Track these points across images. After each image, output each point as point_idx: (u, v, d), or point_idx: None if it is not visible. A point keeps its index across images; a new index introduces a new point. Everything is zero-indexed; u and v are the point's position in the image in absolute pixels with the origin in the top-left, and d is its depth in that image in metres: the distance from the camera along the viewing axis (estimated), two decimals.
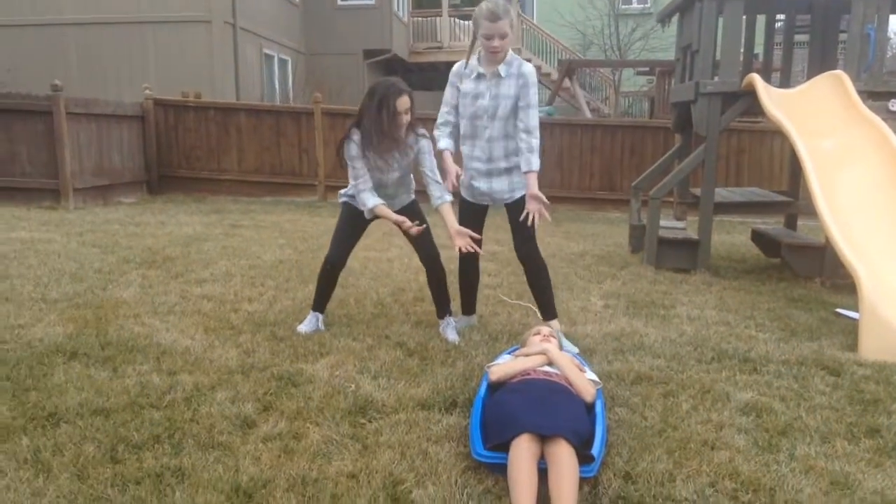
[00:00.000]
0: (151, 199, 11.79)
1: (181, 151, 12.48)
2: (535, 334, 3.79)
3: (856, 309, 4.64)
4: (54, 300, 5.02)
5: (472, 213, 4.52)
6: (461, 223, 4.38)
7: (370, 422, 3.23)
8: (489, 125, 4.23)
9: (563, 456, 2.64)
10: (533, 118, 4.18)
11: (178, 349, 4.06)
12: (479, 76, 4.21)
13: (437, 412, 3.34)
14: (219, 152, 12.48)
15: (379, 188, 4.36)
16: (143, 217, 9.48)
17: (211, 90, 14.86)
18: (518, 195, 4.37)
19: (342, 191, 4.56)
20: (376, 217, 4.38)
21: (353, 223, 4.49)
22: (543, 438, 2.75)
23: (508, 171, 4.34)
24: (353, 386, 3.57)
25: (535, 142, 4.20)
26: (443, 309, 4.64)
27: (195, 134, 12.46)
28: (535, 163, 4.20)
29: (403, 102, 4.17)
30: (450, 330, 4.54)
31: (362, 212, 4.35)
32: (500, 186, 4.38)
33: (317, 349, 4.13)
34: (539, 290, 4.61)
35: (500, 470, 2.68)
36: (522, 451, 2.68)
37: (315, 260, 6.72)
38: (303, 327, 4.50)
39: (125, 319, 4.61)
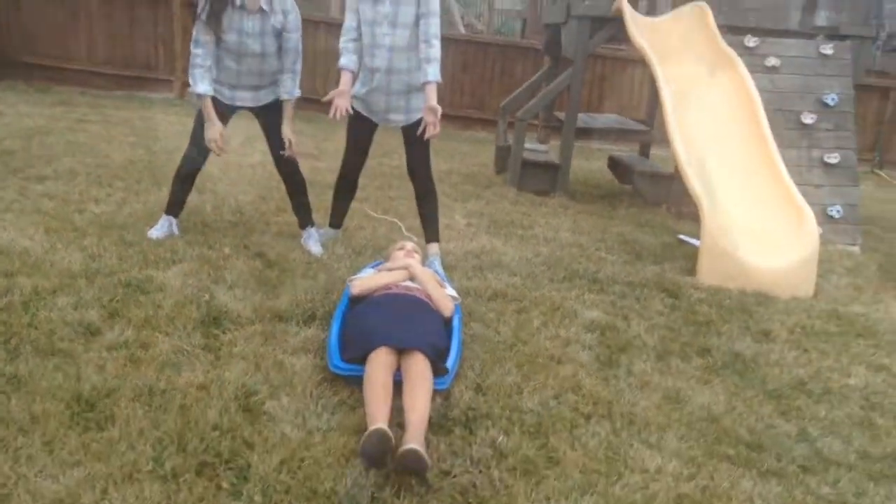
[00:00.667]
0: None
1: (23, 35, 11.34)
2: (398, 249, 3.81)
3: (697, 236, 4.95)
4: None
5: (362, 129, 4.33)
6: (349, 138, 4.26)
7: (224, 333, 3.17)
8: (390, 32, 4.00)
9: (419, 368, 2.71)
10: (433, 26, 4.02)
11: (16, 249, 3.78)
12: None
13: (294, 324, 3.32)
14: (65, 39, 11.44)
15: (235, 77, 4.06)
16: None
17: None
18: (415, 117, 4.18)
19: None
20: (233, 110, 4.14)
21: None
22: (400, 351, 2.80)
23: (408, 90, 4.16)
24: (206, 296, 3.47)
25: (435, 52, 4.03)
26: (304, 220, 4.55)
27: (39, 16, 11.33)
28: (435, 73, 4.04)
29: None
30: (312, 242, 4.47)
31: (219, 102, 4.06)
32: (398, 104, 4.19)
33: (169, 256, 3.96)
34: (427, 213, 4.50)
35: (357, 382, 2.71)
36: (379, 363, 2.72)
37: (170, 162, 6.33)
38: (154, 232, 4.28)
39: None
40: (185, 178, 4.35)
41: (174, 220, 4.39)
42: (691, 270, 4.77)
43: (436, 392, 2.75)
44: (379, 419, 2.42)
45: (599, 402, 2.92)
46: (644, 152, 8.35)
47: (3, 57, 11.33)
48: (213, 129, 4.00)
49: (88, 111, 9.14)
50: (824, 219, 5.76)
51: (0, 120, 7.64)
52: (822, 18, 7.46)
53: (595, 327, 3.67)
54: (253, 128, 4.38)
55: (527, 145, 7.32)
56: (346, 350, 2.92)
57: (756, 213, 5.01)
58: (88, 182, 5.37)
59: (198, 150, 4.22)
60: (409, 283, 3.43)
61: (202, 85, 3.94)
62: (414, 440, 2.34)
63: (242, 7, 3.88)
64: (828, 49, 6.32)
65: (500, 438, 2.56)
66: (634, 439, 2.68)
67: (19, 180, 5.19)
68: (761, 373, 3.40)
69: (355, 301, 3.35)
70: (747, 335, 3.81)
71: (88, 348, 2.88)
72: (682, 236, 5.70)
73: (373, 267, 3.86)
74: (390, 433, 2.32)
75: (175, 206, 4.39)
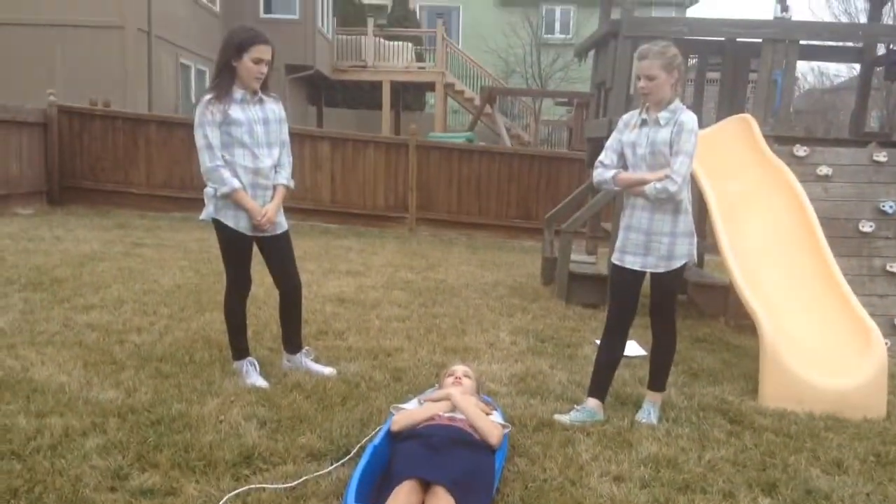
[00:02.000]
0: (51, 211, 11.16)
1: (86, 162, 11.89)
2: (448, 375, 3.67)
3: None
4: None
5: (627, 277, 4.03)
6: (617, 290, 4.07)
7: (255, 474, 3.02)
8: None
9: None
10: (682, 165, 3.73)
11: (52, 387, 3.75)
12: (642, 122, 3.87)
13: (328, 463, 3.16)
14: (126, 164, 11.95)
15: (254, 176, 3.97)
16: (39, 231, 8.93)
17: (122, 99, 14.27)
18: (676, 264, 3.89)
19: (209, 189, 3.99)
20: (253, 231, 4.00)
21: (238, 244, 4.05)
22: (426, 488, 2.62)
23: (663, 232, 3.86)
24: (238, 434, 3.34)
25: (670, 185, 3.72)
26: (298, 339, 4.40)
27: (101, 144, 11.90)
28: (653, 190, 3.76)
29: (266, 50, 3.86)
30: (311, 363, 4.36)
31: (238, 231, 3.98)
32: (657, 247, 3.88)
33: (205, 388, 3.87)
34: (658, 363, 4.10)
35: None
36: (397, 499, 2.55)
37: (217, 284, 6.43)
38: (249, 381, 4.04)
39: None
40: (236, 314, 4.17)
41: (249, 361, 4.17)
42: (753, 392, 4.49)
43: None
44: None
45: None
46: (698, 262, 8.14)
47: (69, 184, 11.86)
48: (255, 209, 3.93)
49: (144, 234, 9.41)
50: (891, 330, 5.43)
51: (57, 246, 7.87)
52: (873, 119, 7.32)
53: (650, 461, 3.40)
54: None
55: (574, 257, 7.20)
56: (380, 493, 2.74)
57: (817, 329, 4.74)
58: (134, 310, 5.40)
59: (237, 284, 4.14)
60: (453, 414, 3.28)
61: (234, 180, 3.88)
62: None
63: (243, 99, 3.92)
64: (881, 156, 6.13)
65: None
66: None
67: (65, 310, 5.25)
68: None
69: (395, 436, 3.19)
70: (817, 467, 3.49)
71: (113, 497, 2.76)
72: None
73: (424, 395, 3.70)
74: None
75: (240, 348, 4.18)
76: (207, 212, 4.02)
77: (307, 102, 23.69)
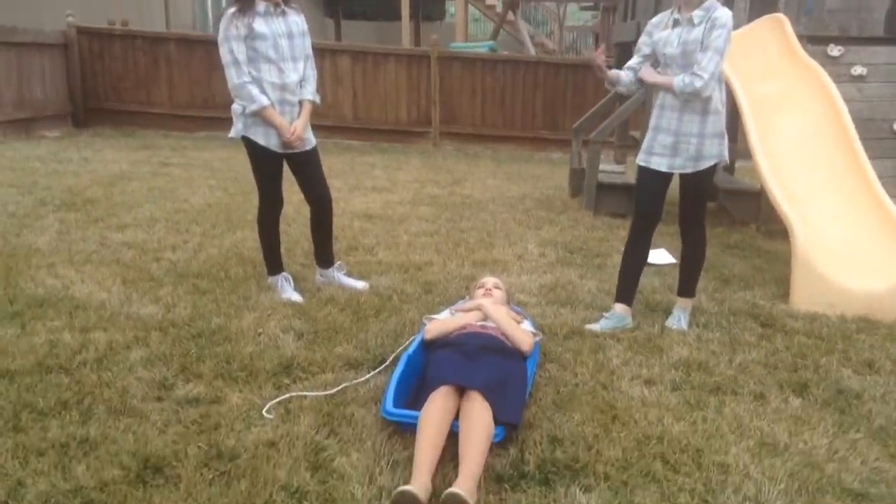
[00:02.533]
0: (77, 133, 11.20)
1: (108, 83, 11.83)
2: (478, 287, 3.71)
3: (786, 257, 4.65)
4: None
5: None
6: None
7: (294, 382, 3.11)
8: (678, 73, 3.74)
9: (475, 411, 2.59)
10: (710, 61, 3.60)
11: (93, 303, 3.85)
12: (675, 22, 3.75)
13: (365, 371, 3.24)
14: (148, 84, 11.88)
15: (281, 92, 3.90)
16: (67, 153, 8.99)
17: (139, 18, 14.07)
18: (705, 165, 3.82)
19: (236, 107, 3.93)
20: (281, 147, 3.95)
21: (269, 162, 4.01)
22: (462, 393, 2.69)
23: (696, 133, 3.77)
24: (277, 345, 3.43)
25: (696, 80, 3.61)
26: (330, 254, 4.42)
27: (122, 64, 11.81)
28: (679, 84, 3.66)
29: None
30: (343, 276, 4.40)
31: (269, 149, 3.93)
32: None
33: (241, 303, 3.96)
34: (688, 268, 4.07)
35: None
36: (435, 405, 2.63)
37: (246, 203, 6.48)
38: (285, 295, 4.11)
39: (38, 270, 4.35)
40: (270, 231, 4.19)
41: (283, 276, 4.23)
42: (785, 296, 4.49)
43: (507, 443, 2.62)
44: (423, 471, 2.33)
45: (688, 451, 2.71)
46: (728, 167, 8.01)
47: (92, 105, 11.84)
48: (284, 126, 3.90)
49: (171, 154, 9.43)
50: None
51: (85, 167, 7.94)
52: None
53: (681, 364, 3.45)
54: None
55: (602, 167, 7.13)
56: (416, 398, 2.82)
57: (850, 232, 4.69)
58: (167, 229, 5.48)
59: (270, 201, 4.13)
60: (484, 323, 3.33)
61: (262, 97, 3.83)
62: (460, 486, 2.23)
63: (266, 12, 3.83)
64: None
65: (580, 497, 2.39)
66: (729, 493, 2.47)
67: (100, 229, 5.34)
68: (866, 410, 3.11)
69: (429, 345, 3.25)
70: (848, 367, 3.52)
71: (160, 406, 2.86)
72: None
73: (455, 307, 3.75)
74: (421, 496, 2.21)
75: (275, 264, 4.22)
76: (236, 129, 3.98)
77: (324, 15, 23.20)
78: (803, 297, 4.36)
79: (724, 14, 3.64)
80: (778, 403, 3.13)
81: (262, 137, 3.93)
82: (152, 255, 4.80)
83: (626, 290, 4.05)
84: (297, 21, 3.98)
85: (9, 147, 9.25)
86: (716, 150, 3.80)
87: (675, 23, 3.76)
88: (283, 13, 3.91)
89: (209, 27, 17.28)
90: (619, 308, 4.01)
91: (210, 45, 11.90)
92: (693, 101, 3.70)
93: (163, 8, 15.03)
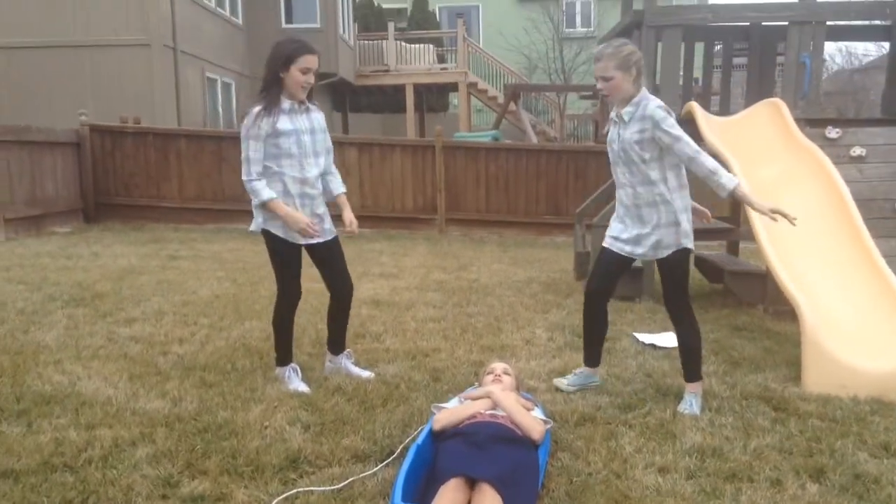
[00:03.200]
0: (87, 228, 11.38)
1: (119, 179, 12.11)
2: (487, 373, 3.68)
3: (796, 339, 4.62)
4: None
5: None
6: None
7: (301, 477, 3.06)
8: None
9: (485, 503, 2.52)
10: (687, 146, 3.70)
11: (100, 399, 3.83)
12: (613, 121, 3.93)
13: (373, 464, 3.19)
14: (158, 179, 12.15)
15: (302, 186, 4.00)
16: (77, 248, 9.11)
17: (151, 115, 14.49)
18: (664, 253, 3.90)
19: (256, 202, 3.99)
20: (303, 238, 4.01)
21: (289, 253, 4.08)
22: (472, 486, 2.63)
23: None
24: (284, 439, 3.39)
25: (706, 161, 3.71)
26: (343, 341, 4.45)
27: (133, 161, 12.11)
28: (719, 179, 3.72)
29: (313, 60, 3.90)
30: (351, 365, 4.41)
31: (288, 241, 4.02)
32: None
33: (248, 395, 3.93)
34: (685, 352, 4.07)
35: None
36: (444, 498, 2.58)
37: (254, 294, 6.52)
38: (292, 386, 4.10)
39: (45, 367, 4.35)
40: (285, 323, 4.20)
41: (292, 367, 4.22)
42: (796, 378, 4.44)
43: None
44: None
45: None
46: (732, 249, 8.06)
47: (103, 201, 12.07)
48: (298, 218, 3.94)
49: (179, 247, 9.54)
50: None
51: (95, 262, 8.02)
52: None
53: (695, 451, 3.38)
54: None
55: None
56: (426, 491, 2.76)
57: (858, 312, 4.68)
58: (174, 322, 5.49)
59: (289, 294, 4.16)
60: (494, 411, 3.29)
61: (267, 191, 3.90)
62: None
63: (291, 109, 3.95)
64: None
65: None
66: None
67: (108, 324, 5.35)
68: (885, 495, 3.03)
69: (438, 435, 3.21)
70: (864, 451, 3.45)
71: None
72: (638, 335, 5.44)
73: (463, 395, 3.71)
74: None
75: (285, 355, 4.22)
76: (257, 223, 4.06)
77: (332, 109, 23.83)
78: (815, 379, 4.31)
79: (655, 106, 3.75)
80: (795, 490, 3.05)
81: (280, 230, 4.01)
82: (159, 348, 4.80)
83: (591, 355, 4.29)
84: (318, 118, 4.12)
85: (19, 244, 9.38)
86: (671, 240, 3.87)
87: (614, 121, 3.93)
88: (307, 110, 4.04)
89: (219, 123, 17.74)
90: (587, 369, 4.28)
91: (219, 140, 12.25)
92: (649, 201, 3.84)
93: (174, 106, 15.47)
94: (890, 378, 4.22)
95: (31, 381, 4.09)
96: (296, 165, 3.97)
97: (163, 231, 11.24)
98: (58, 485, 2.92)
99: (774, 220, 3.78)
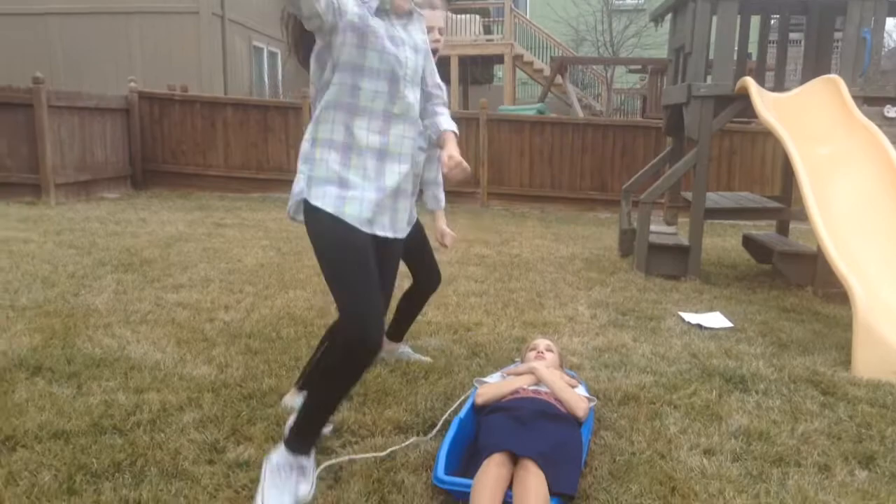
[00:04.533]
0: (135, 195, 11.58)
1: (166, 146, 12.27)
2: (530, 349, 3.66)
3: (847, 322, 4.51)
4: (23, 307, 4.84)
5: None
6: None
7: (344, 447, 3.08)
8: None
9: (529, 481, 2.51)
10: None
11: (148, 364, 3.90)
12: None
13: (414, 435, 3.20)
14: (205, 147, 12.28)
15: (375, 169, 2.47)
16: (125, 214, 9.28)
17: (199, 83, 14.64)
18: None
19: (296, 189, 2.84)
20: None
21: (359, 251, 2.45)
22: (515, 461, 2.62)
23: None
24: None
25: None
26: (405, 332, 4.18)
27: (181, 128, 12.25)
28: None
29: None
30: (412, 352, 4.24)
31: (347, 224, 2.41)
32: None
33: (292, 363, 3.97)
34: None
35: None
36: (487, 474, 2.56)
37: (297, 263, 6.56)
38: None
39: (95, 330, 4.44)
40: (350, 379, 2.62)
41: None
42: (845, 362, 4.34)
43: None
44: None
45: None
46: (782, 229, 7.88)
47: (151, 168, 12.26)
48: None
49: (225, 215, 9.64)
50: None
51: (143, 228, 8.16)
52: None
53: (741, 433, 3.33)
54: None
55: (653, 227, 7.06)
56: (468, 464, 2.77)
57: None
58: (221, 289, 5.56)
59: (358, 326, 2.42)
60: (537, 387, 3.27)
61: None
62: None
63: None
64: None
65: None
66: None
67: (156, 290, 5.44)
68: None
69: (480, 409, 3.20)
70: None
71: (211, 470, 2.85)
72: (684, 315, 5.32)
73: (503, 370, 3.70)
74: None
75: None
76: (294, 201, 2.91)
77: None
78: (865, 364, 4.20)
79: None
80: (844, 476, 2.99)
81: (332, 204, 2.42)
82: (206, 315, 4.87)
83: None
84: None
85: (69, 208, 9.58)
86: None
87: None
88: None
89: (265, 93, 17.84)
90: None
91: (265, 109, 12.31)
92: None
93: (221, 75, 15.59)
94: None
95: (81, 343, 4.19)
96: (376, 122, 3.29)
97: (208, 199, 11.37)
98: (107, 447, 2.98)
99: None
